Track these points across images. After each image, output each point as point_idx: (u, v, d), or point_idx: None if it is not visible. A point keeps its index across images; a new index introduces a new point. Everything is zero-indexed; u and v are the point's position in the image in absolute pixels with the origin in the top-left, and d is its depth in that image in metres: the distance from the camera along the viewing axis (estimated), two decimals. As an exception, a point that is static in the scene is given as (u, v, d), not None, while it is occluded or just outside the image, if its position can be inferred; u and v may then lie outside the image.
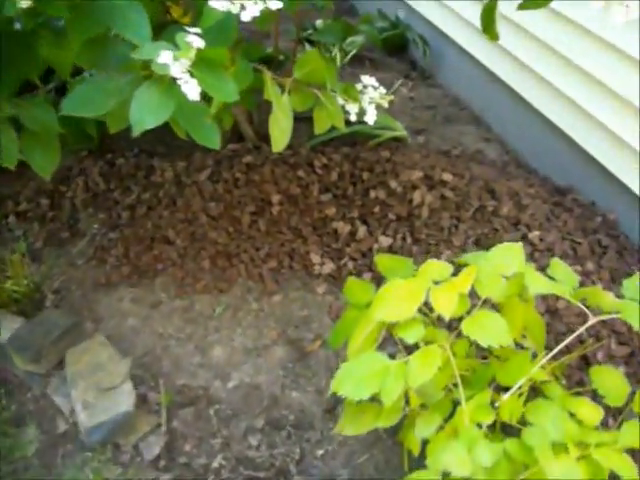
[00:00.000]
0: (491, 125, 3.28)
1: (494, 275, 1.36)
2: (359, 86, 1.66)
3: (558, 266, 1.46)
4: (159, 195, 2.50)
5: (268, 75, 1.49)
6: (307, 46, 3.68)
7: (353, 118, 1.65)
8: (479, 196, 2.23)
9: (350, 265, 2.26)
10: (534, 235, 2.14)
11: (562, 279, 1.41)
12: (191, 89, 1.12)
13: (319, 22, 3.78)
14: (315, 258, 2.29)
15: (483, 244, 2.17)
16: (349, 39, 3.77)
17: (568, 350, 1.60)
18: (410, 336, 1.31)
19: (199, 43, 1.14)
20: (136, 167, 2.70)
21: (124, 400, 1.90)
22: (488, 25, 1.61)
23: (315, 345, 2.10)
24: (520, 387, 1.31)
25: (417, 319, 1.32)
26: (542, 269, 2.12)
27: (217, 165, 2.51)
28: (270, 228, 2.35)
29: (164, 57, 1.12)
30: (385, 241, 2.22)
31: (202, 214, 2.37)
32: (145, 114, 1.16)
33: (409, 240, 2.21)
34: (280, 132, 1.48)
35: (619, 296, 1.42)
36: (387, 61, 3.89)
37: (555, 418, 1.28)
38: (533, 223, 2.18)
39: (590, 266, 2.13)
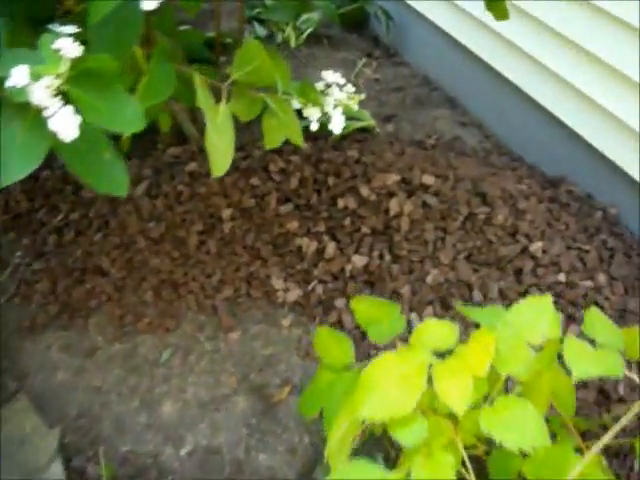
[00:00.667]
0: (467, 107, 2.95)
1: (517, 344, 1.02)
2: (320, 85, 1.29)
3: (596, 320, 1.11)
4: (89, 215, 2.12)
5: (198, 79, 1.11)
6: (257, 26, 3.29)
7: (314, 127, 1.28)
8: (467, 201, 1.89)
9: (319, 290, 1.91)
10: (536, 247, 1.81)
11: (605, 339, 1.07)
12: (64, 123, 0.75)
13: (268, -1, 3.38)
14: (277, 283, 1.94)
15: (476, 260, 1.83)
16: (304, 16, 3.38)
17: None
18: (408, 438, 0.96)
19: (73, 50, 0.77)
20: (63, 181, 2.31)
21: (51, 486, 1.54)
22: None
23: (283, 393, 1.76)
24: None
25: (416, 415, 0.97)
26: (548, 288, 1.81)
27: (156, 175, 2.13)
28: (222, 249, 1.98)
29: (18, 76, 0.74)
30: (359, 260, 1.87)
31: (140, 237, 2.00)
32: (12, 159, 0.80)
33: (388, 258, 1.87)
34: (218, 154, 1.11)
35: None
36: (347, 39, 3.52)
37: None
38: (533, 231, 1.84)
39: (601, 279, 1.81)
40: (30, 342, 1.92)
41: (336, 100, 1.25)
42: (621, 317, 1.82)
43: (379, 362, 1.01)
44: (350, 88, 1.28)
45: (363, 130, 2.58)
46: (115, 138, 1.14)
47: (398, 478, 0.94)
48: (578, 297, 1.74)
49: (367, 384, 0.98)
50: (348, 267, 1.88)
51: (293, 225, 1.98)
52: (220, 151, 1.10)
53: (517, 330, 1.02)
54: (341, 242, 1.93)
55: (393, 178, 1.93)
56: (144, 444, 1.69)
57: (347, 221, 1.94)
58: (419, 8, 3.11)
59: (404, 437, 0.96)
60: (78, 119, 0.77)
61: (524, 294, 1.78)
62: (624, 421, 1.01)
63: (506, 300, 1.77)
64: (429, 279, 1.81)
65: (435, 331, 1.07)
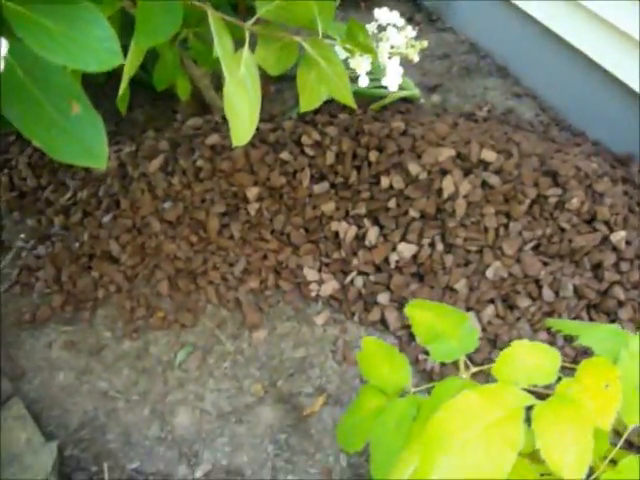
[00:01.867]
0: (520, 77, 2.64)
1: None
2: (371, 27, 1.01)
3: None
4: (99, 194, 1.87)
5: (213, 16, 0.84)
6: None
7: (363, 83, 1.00)
8: (535, 181, 1.60)
9: (359, 282, 1.64)
10: (618, 237, 1.52)
11: None
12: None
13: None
14: (310, 274, 1.68)
15: (545, 251, 1.55)
16: (338, -25, 3.08)
17: None
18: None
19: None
20: (72, 154, 2.06)
21: (44, 513, 1.31)
22: None
23: (317, 404, 1.51)
24: None
25: (519, 470, 0.71)
26: (634, 287, 1.53)
27: (173, 149, 1.88)
28: (247, 234, 1.73)
29: None
30: (406, 249, 1.60)
31: (154, 219, 1.75)
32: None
33: (440, 247, 1.59)
34: (239, 118, 0.84)
35: None
36: (386, 2, 3.21)
37: None
38: (613, 218, 1.55)
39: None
40: (29, 337, 1.69)
41: (393, 47, 0.98)
42: None
43: (455, 404, 0.74)
44: (410, 32, 1.00)
45: (406, 100, 2.30)
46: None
47: None
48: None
49: (439, 436, 0.72)
50: (393, 257, 1.61)
51: (329, 207, 1.72)
52: (242, 113, 0.84)
53: (645, 358, 0.75)
54: (385, 227, 1.66)
55: (447, 153, 1.64)
56: (155, 462, 1.45)
57: (392, 203, 1.66)
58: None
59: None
60: (5, 47, 0.51)
61: (605, 293, 1.50)
62: None
63: (583, 300, 1.50)
64: (489, 273, 1.54)
65: (528, 358, 0.80)
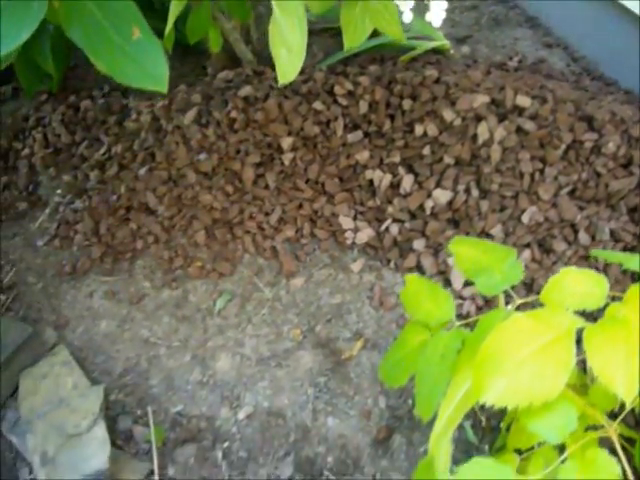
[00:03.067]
0: (550, 27, 2.60)
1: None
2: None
3: None
4: (133, 147, 1.89)
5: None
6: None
7: (407, 18, 0.99)
8: (571, 126, 1.59)
9: (394, 230, 1.66)
10: (656, 176, 1.52)
11: None
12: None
13: None
14: (346, 222, 1.69)
15: (581, 196, 1.55)
16: None
17: None
18: (553, 431, 0.72)
19: None
20: (106, 111, 2.08)
21: (95, 452, 1.35)
22: None
23: (355, 348, 1.53)
24: None
25: (564, 399, 0.72)
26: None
27: (206, 102, 1.89)
28: (282, 184, 1.74)
29: None
30: (441, 195, 1.61)
31: (190, 170, 1.77)
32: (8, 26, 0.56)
33: (475, 193, 1.60)
34: (288, 51, 0.84)
35: None
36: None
37: None
38: (651, 162, 1.55)
39: None
40: (71, 288, 1.73)
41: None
42: None
43: (507, 328, 0.76)
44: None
45: (436, 52, 2.28)
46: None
47: None
48: None
49: (492, 358, 0.74)
50: (428, 203, 1.62)
51: (363, 156, 1.72)
52: (288, 45, 0.84)
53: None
54: (419, 175, 1.66)
55: (481, 99, 1.64)
56: (197, 404, 1.49)
57: (426, 150, 1.67)
58: None
59: (547, 430, 0.72)
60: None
61: (638, 236, 1.51)
62: None
63: (620, 243, 1.50)
64: (525, 218, 1.54)
65: (577, 284, 0.81)
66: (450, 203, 1.60)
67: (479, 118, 1.63)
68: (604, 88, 2.19)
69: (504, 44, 2.47)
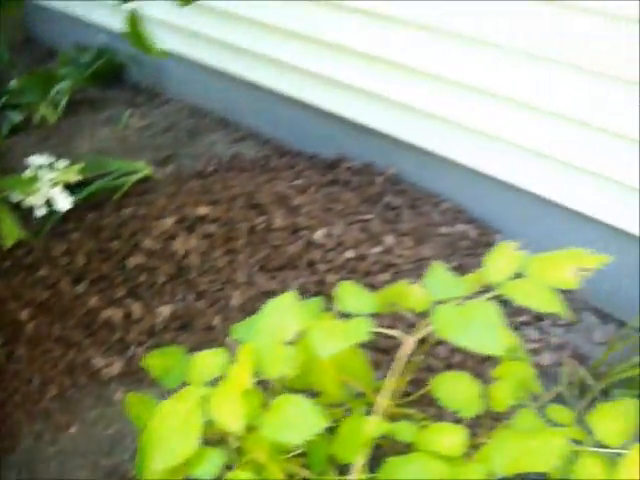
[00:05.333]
0: (240, 122, 3.01)
1: (275, 346, 1.07)
2: (29, 172, 1.28)
3: (347, 292, 1.19)
4: None
5: None
6: (10, 113, 3.19)
7: (40, 213, 1.27)
8: (245, 217, 1.94)
9: (140, 352, 1.90)
10: (320, 234, 1.89)
11: (357, 307, 1.14)
12: None
13: (13, 82, 3.30)
14: (98, 361, 1.91)
15: (270, 267, 1.89)
16: (55, 88, 3.32)
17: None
18: (205, 474, 1.00)
19: None
20: None
21: None
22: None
23: (137, 466, 1.73)
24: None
25: (205, 451, 1.01)
26: (341, 268, 1.89)
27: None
28: (32, 352, 1.93)
29: None
30: (166, 310, 1.88)
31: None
32: None
33: (191, 297, 1.89)
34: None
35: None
36: (108, 95, 3.49)
37: (415, 476, 1.03)
38: (312, 222, 1.92)
39: (389, 240, 1.92)
40: None
41: (51, 180, 1.25)
42: (419, 267, 1.93)
43: (159, 411, 1.03)
44: (62, 163, 1.28)
45: (144, 180, 2.58)
46: None
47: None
48: (371, 265, 1.83)
49: (153, 437, 1.01)
50: (158, 320, 1.89)
51: (94, 300, 1.96)
52: None
53: (271, 332, 1.08)
54: (144, 299, 1.93)
55: (170, 221, 1.95)
56: None
57: (143, 277, 1.94)
58: (169, 46, 3.15)
59: (202, 475, 1.00)
60: None
61: (321, 283, 1.86)
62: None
63: (308, 294, 1.84)
64: (234, 302, 1.85)
65: (208, 362, 1.11)
66: (174, 313, 1.88)
67: (173, 237, 1.93)
68: (290, 161, 2.60)
69: (202, 151, 2.84)
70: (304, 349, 1.06)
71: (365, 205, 2.09)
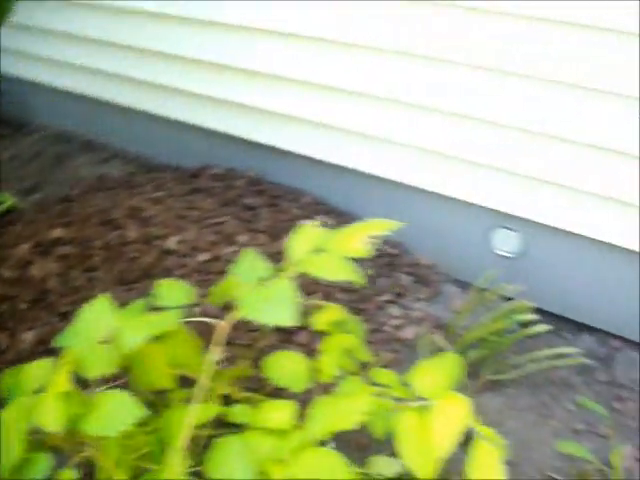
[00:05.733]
0: (106, 144, 3.02)
1: (92, 347, 1.12)
2: None
3: (166, 288, 1.25)
4: None
5: None
6: None
7: None
8: (100, 234, 1.97)
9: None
10: (173, 241, 1.94)
11: (174, 300, 1.21)
12: None
13: None
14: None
15: (128, 279, 1.92)
16: None
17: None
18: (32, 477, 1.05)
19: None
20: None
21: None
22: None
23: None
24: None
25: (33, 456, 1.06)
26: (198, 272, 1.94)
27: None
28: None
29: None
30: (30, 336, 1.89)
31: None
32: None
33: (55, 320, 1.90)
34: None
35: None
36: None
37: (240, 453, 1.09)
38: (166, 231, 1.97)
39: (243, 239, 1.99)
40: None
41: None
42: (274, 261, 2.00)
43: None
44: None
45: (9, 212, 2.56)
46: None
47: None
48: (225, 265, 1.88)
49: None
50: (24, 346, 1.88)
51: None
52: None
53: (88, 334, 1.13)
54: (10, 329, 1.92)
55: (26, 247, 1.95)
56: None
57: (4, 306, 1.93)
58: (29, 77, 3.13)
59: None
60: None
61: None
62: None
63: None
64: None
65: (34, 373, 1.16)
66: (40, 340, 1.88)
67: (29, 262, 1.94)
68: (154, 177, 2.63)
69: (68, 176, 2.83)
70: (120, 346, 1.12)
71: (223, 209, 2.15)
